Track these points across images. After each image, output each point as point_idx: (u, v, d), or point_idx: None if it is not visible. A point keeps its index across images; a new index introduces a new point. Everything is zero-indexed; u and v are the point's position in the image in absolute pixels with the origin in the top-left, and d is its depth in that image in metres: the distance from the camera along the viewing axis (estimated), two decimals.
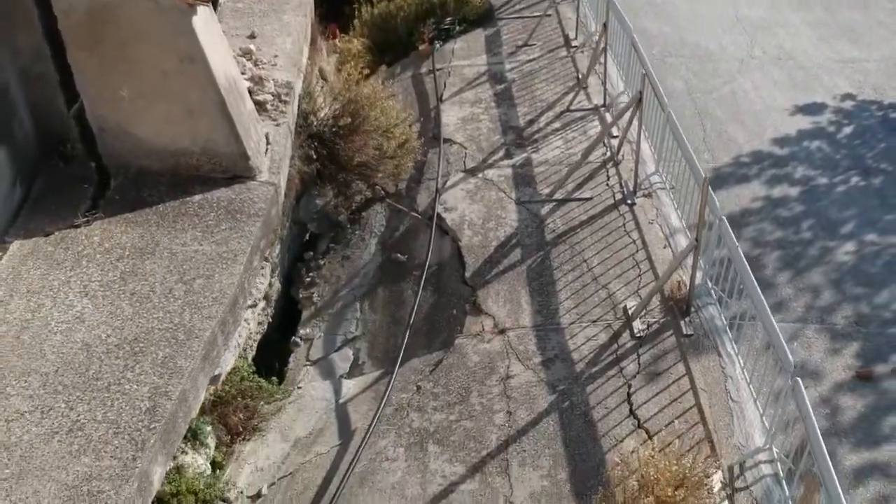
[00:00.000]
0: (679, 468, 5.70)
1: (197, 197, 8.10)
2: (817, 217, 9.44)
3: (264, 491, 7.21)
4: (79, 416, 6.05)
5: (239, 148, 8.17)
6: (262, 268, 8.35)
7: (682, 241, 8.77)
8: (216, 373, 7.26)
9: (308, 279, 9.78)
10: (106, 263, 7.29)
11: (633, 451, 6.16)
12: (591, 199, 9.64)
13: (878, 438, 7.01)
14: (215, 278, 7.27)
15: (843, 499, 4.85)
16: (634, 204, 9.45)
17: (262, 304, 8.80)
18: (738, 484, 6.53)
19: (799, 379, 5.84)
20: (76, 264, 7.25)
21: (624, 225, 9.18)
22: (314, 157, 10.06)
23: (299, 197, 10.18)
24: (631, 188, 9.62)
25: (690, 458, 5.97)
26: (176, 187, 8.18)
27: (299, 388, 8.45)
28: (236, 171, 8.31)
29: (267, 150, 8.82)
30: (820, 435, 5.41)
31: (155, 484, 6.08)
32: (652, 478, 5.62)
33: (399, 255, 9.58)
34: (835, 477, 5.02)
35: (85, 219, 7.56)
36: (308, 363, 8.80)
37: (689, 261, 7.81)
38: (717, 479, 6.54)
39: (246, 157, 8.25)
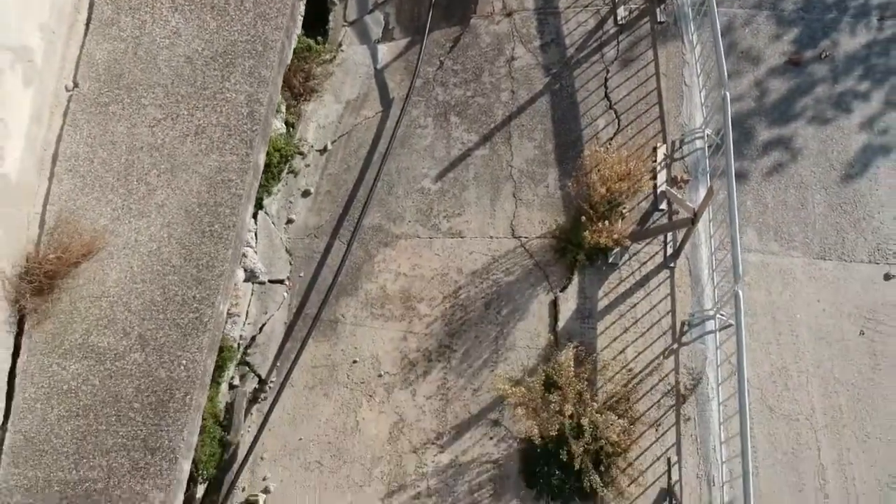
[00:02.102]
0: (626, 167, 8.19)
1: None
2: None
3: (329, 146, 9.69)
4: (199, 121, 8.29)
5: None
6: None
7: None
8: (285, 65, 9.23)
9: None
10: None
11: (596, 151, 8.53)
12: None
13: (790, 117, 9.31)
14: None
15: (735, 206, 7.40)
16: None
17: None
18: (677, 155, 9.06)
19: (727, 94, 7.96)
20: None
21: None
22: None
23: None
24: None
25: (634, 161, 8.40)
26: None
27: (342, 50, 10.36)
28: None
29: None
30: (731, 144, 7.76)
31: (261, 166, 8.58)
32: (606, 174, 8.14)
33: None
34: (734, 195, 7.53)
35: None
36: (346, 24, 10.56)
37: None
38: (661, 152, 9.07)
39: None
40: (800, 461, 7.94)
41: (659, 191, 8.87)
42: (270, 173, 9.41)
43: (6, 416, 7.28)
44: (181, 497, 7.34)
